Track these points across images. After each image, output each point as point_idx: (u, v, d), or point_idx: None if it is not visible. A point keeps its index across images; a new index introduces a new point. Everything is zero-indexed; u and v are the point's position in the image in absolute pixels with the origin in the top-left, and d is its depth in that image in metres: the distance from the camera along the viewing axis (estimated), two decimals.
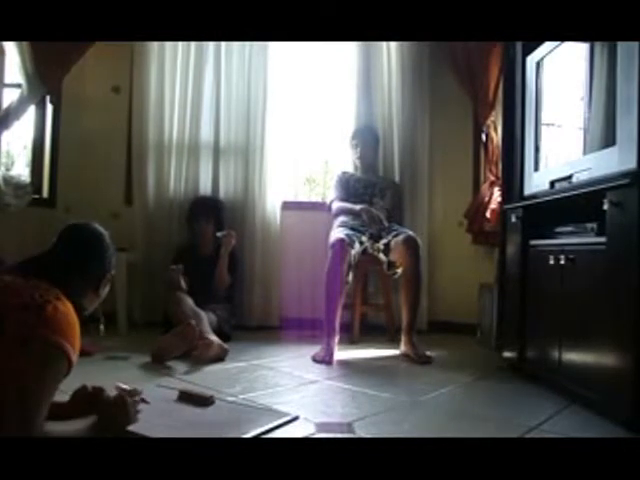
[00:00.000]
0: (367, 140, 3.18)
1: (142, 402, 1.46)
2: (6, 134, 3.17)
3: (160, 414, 1.54)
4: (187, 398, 1.67)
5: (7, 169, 3.52)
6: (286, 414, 1.59)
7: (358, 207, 2.85)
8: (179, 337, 2.28)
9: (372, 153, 3.20)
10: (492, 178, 3.05)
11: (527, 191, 2.24)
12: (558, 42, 2.01)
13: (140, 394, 1.47)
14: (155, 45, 3.26)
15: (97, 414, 1.31)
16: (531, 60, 2.25)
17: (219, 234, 2.91)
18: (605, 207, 1.60)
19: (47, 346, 1.12)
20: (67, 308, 1.20)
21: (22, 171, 3.52)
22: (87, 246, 1.37)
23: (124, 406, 1.34)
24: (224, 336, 2.56)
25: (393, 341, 2.77)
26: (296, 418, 1.57)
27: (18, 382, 1.08)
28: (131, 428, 1.36)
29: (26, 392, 1.09)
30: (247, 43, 3.26)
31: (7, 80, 3.25)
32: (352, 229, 2.74)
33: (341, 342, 2.56)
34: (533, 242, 2.10)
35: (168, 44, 3.26)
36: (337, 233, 2.66)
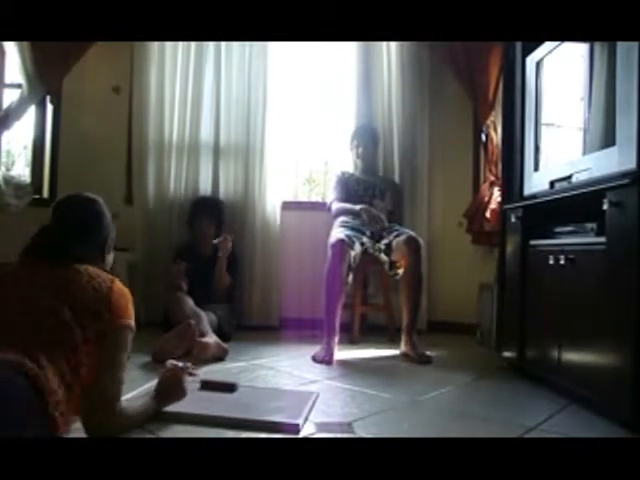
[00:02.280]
0: (367, 140, 3.16)
1: (189, 375, 1.57)
2: (6, 134, 3.18)
3: (197, 400, 1.58)
4: (211, 387, 1.70)
5: (7, 169, 3.53)
6: (309, 392, 1.77)
7: (358, 207, 2.84)
8: (179, 337, 2.29)
9: (372, 153, 3.19)
10: (492, 178, 3.04)
11: (527, 191, 2.24)
12: (558, 42, 2.01)
13: (189, 368, 1.56)
14: (155, 45, 3.26)
15: (155, 390, 1.47)
16: (531, 60, 2.26)
17: (215, 241, 2.89)
18: (605, 207, 1.60)
19: (119, 331, 1.28)
20: (121, 286, 1.29)
21: (22, 171, 3.52)
22: (85, 216, 1.39)
23: (179, 381, 1.49)
24: (224, 336, 2.56)
25: (393, 341, 2.78)
26: (318, 395, 1.74)
27: (102, 370, 1.25)
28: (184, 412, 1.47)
29: (111, 375, 1.27)
30: (247, 43, 3.26)
31: (7, 80, 3.25)
32: (353, 229, 2.73)
33: (341, 342, 2.56)
34: (533, 242, 2.10)
35: (168, 44, 3.26)
36: (337, 233, 2.64)
